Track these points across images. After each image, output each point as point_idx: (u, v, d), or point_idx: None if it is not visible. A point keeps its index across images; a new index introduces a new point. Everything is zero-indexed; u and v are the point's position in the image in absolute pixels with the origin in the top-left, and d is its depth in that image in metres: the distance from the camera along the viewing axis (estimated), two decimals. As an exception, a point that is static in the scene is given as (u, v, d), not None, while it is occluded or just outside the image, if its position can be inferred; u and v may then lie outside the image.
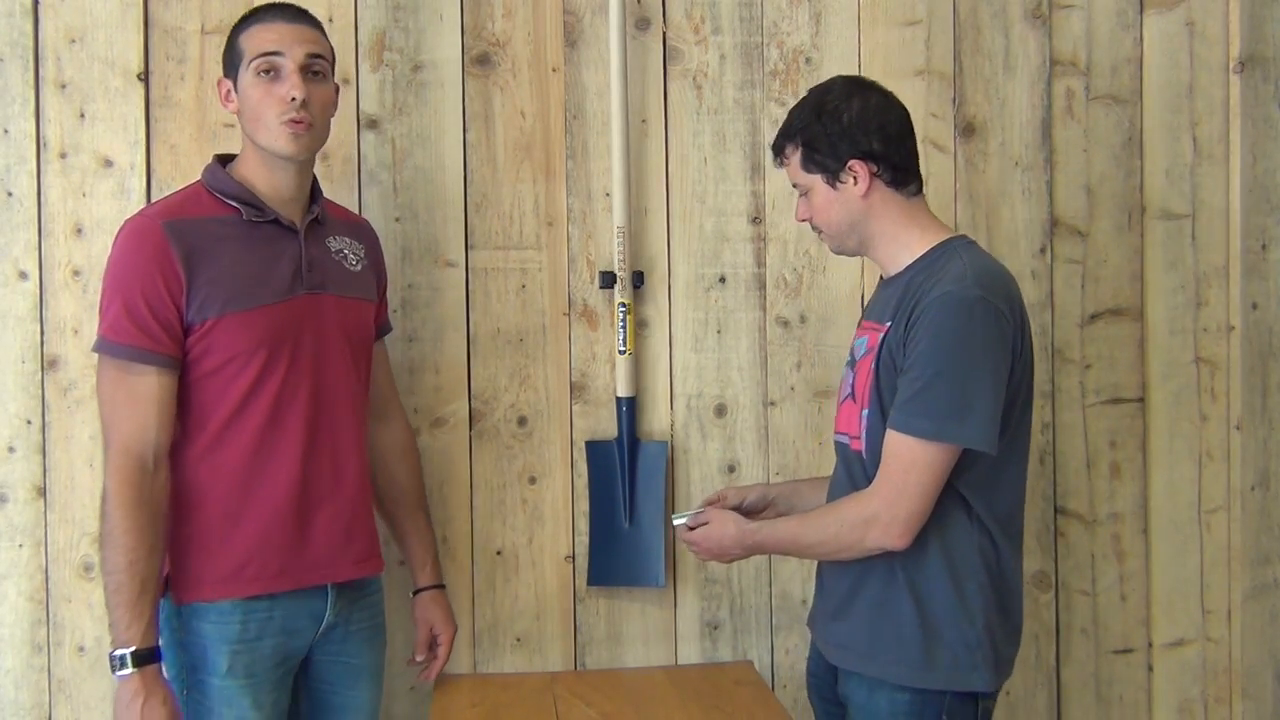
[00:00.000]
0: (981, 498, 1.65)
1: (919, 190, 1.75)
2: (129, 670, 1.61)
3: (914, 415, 1.59)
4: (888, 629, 1.66)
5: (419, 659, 2.03)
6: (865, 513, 1.62)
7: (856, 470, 1.73)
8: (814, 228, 1.80)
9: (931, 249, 1.70)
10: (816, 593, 1.87)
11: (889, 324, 1.68)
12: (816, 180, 1.73)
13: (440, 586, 2.05)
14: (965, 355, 1.59)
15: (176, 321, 1.68)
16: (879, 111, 1.71)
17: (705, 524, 1.83)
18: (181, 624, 1.72)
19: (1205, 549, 2.41)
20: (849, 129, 1.69)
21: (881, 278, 1.81)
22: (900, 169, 1.71)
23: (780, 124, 1.79)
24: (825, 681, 1.82)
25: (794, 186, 1.79)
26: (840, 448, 1.79)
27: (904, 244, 1.72)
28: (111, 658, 1.63)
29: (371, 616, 1.91)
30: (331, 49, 1.82)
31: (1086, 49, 2.35)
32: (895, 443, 1.61)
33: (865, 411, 1.70)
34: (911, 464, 1.59)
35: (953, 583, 1.64)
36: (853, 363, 1.78)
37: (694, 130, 2.25)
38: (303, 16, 1.79)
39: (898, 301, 1.68)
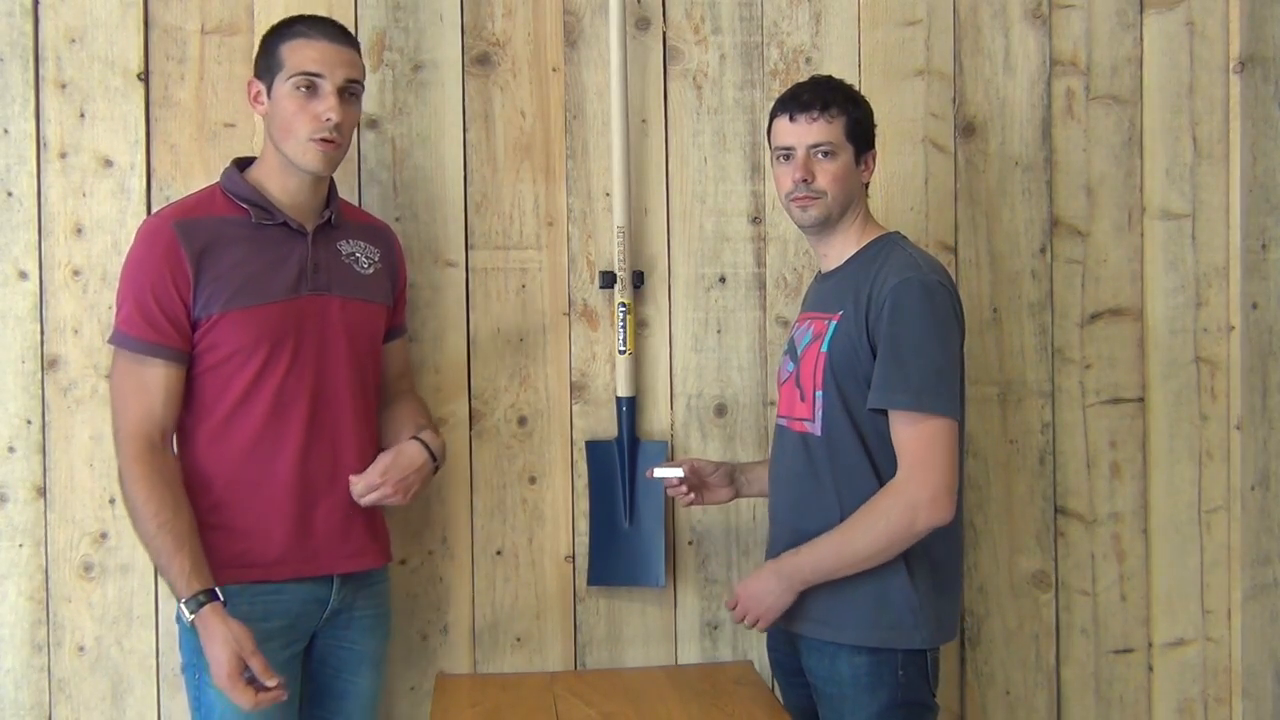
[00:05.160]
0: None
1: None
2: (190, 617, 1.67)
3: (898, 392, 1.70)
4: (843, 596, 1.77)
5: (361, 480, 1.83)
6: (907, 499, 1.69)
7: (795, 449, 1.83)
8: (814, 191, 1.80)
9: (868, 244, 1.85)
10: None
11: (840, 312, 1.79)
12: (849, 151, 1.83)
13: (429, 450, 1.88)
14: (935, 333, 1.72)
15: (184, 317, 1.74)
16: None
17: (681, 474, 1.95)
18: None
19: (1205, 549, 2.40)
20: (873, 126, 1.87)
21: (819, 273, 1.93)
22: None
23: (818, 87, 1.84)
24: (787, 655, 1.93)
25: (816, 146, 1.80)
26: (783, 430, 1.90)
27: (854, 237, 1.86)
28: (178, 613, 1.70)
29: (377, 605, 1.94)
30: (364, 69, 1.86)
31: (1086, 49, 2.35)
32: (901, 425, 1.71)
33: (819, 393, 1.79)
34: (932, 438, 1.69)
35: (902, 554, 1.74)
36: (794, 352, 1.88)
37: (694, 130, 2.25)
38: (345, 37, 1.82)
39: (845, 291, 1.80)
